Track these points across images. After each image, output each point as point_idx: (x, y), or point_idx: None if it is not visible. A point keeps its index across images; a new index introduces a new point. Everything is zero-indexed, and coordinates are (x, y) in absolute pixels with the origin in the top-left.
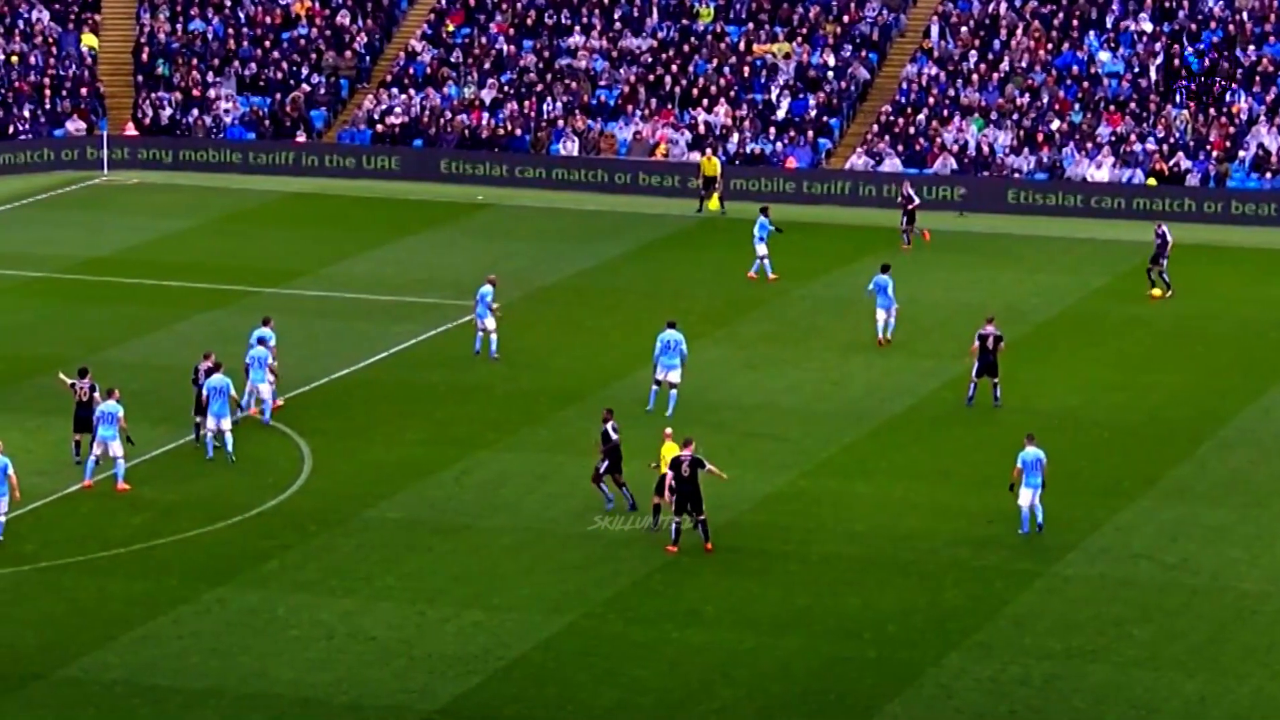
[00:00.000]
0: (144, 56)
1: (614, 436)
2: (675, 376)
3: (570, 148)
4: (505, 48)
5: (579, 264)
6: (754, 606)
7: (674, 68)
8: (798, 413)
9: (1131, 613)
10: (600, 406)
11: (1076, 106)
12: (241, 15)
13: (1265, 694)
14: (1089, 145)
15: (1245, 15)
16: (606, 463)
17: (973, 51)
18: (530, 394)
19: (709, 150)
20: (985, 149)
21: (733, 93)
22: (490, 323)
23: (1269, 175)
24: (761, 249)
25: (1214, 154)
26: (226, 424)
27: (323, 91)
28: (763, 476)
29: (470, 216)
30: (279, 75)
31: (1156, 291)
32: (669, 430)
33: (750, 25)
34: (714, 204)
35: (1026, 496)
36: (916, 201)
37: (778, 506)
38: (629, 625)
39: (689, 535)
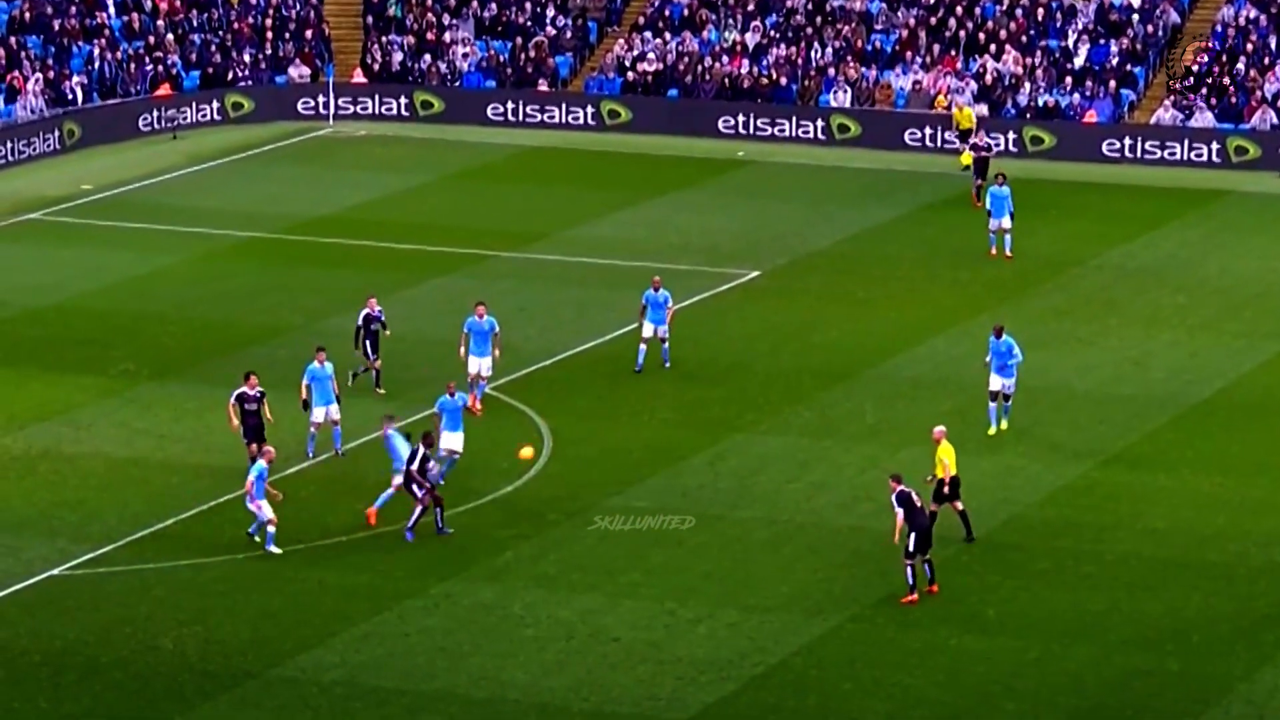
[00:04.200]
0: None
1: None
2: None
3: (842, 99)
4: None
5: (848, 228)
6: (1041, 611)
7: (959, 10)
8: (1092, 396)
9: None
10: (870, 386)
11: None
12: None
13: None
14: None
15: None
16: None
17: None
18: (792, 372)
19: (963, 101)
20: None
21: (1024, 38)
22: (652, 330)
23: None
24: (1006, 222)
25: None
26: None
27: (569, 35)
28: (1052, 467)
29: (730, 174)
30: (521, 18)
31: None
32: (941, 428)
33: None
34: (965, 159)
35: None
36: (991, 149)
37: (1069, 501)
38: (900, 630)
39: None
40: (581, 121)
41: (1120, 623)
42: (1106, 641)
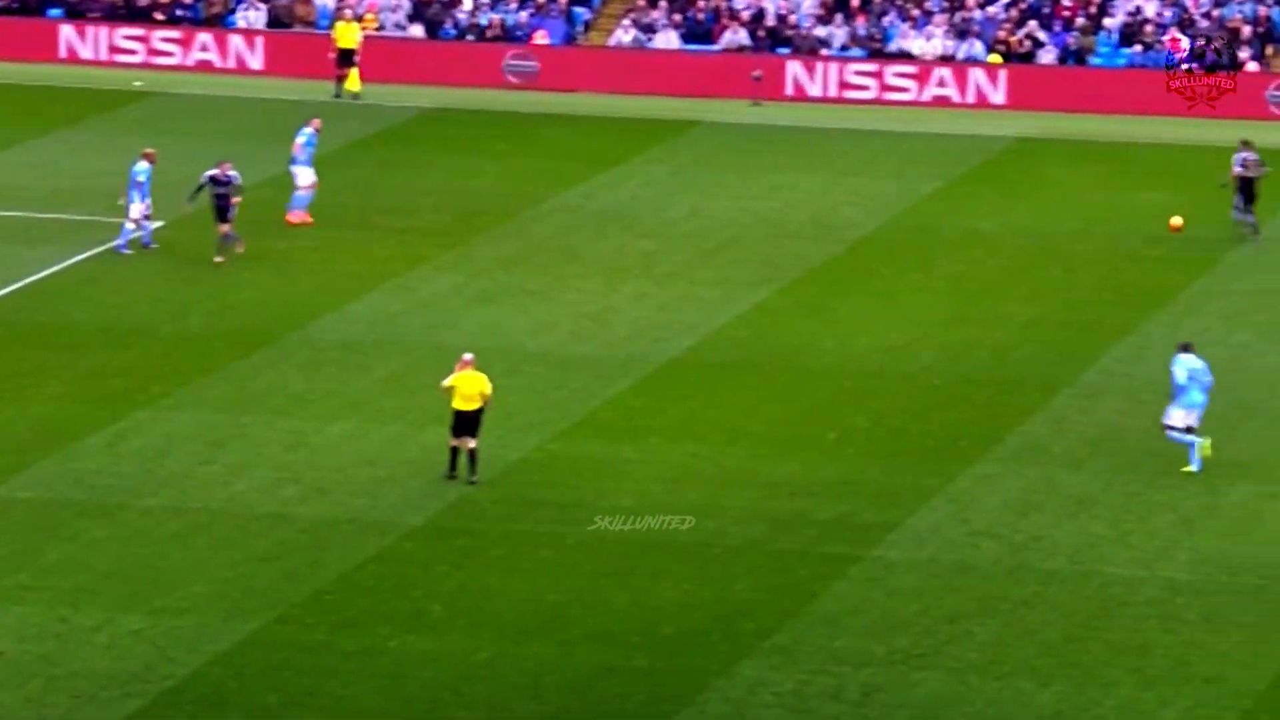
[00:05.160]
0: None
1: None
2: (1195, 418)
3: (255, 18)
4: None
5: (269, 168)
6: (494, 605)
7: None
8: (549, 358)
9: (970, 606)
10: (294, 351)
11: None
12: None
13: (1136, 705)
14: (915, 13)
15: None
16: None
17: None
18: (204, 336)
19: (348, 15)
20: (788, 18)
21: None
22: (136, 210)
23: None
24: (307, 175)
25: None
26: None
27: None
28: (504, 440)
29: (127, 107)
30: None
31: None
32: (468, 356)
33: None
34: (354, 84)
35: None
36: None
37: (523, 478)
38: (333, 632)
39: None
40: None
41: (583, 615)
42: (568, 637)
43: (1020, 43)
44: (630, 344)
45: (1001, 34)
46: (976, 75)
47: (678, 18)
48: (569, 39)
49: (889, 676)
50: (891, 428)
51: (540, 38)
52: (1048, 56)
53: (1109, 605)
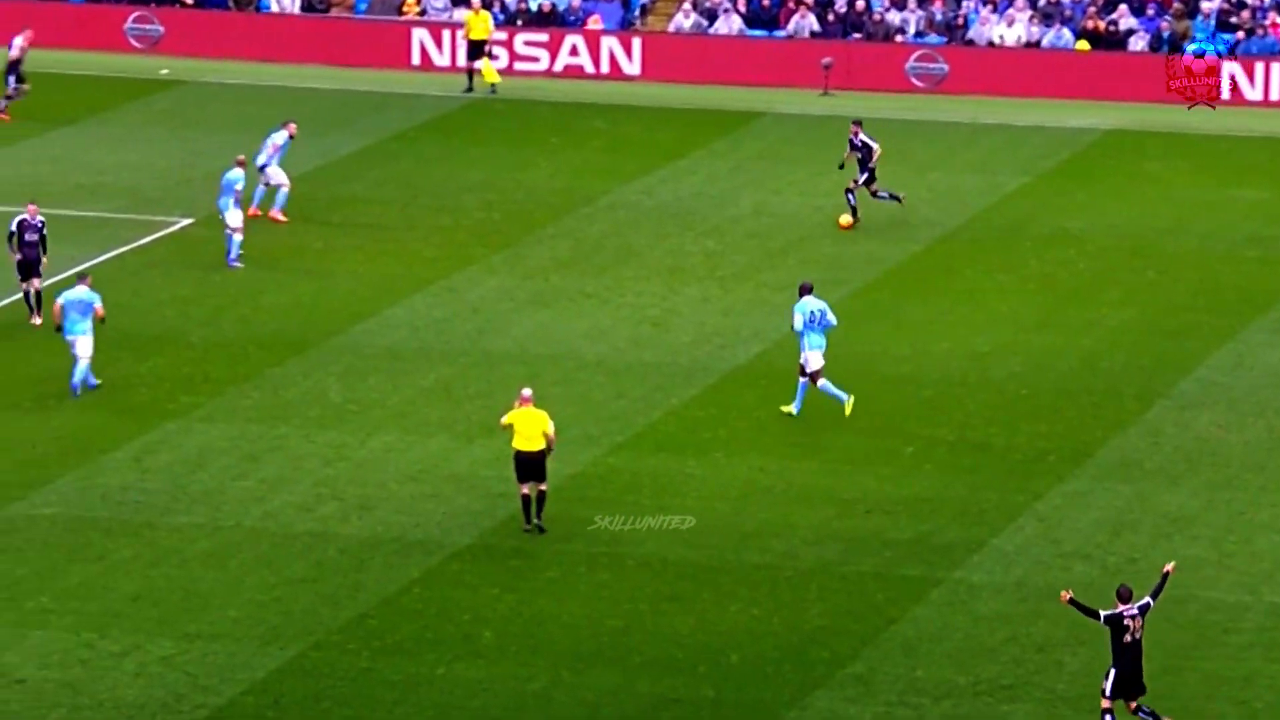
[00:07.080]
0: None
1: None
2: (819, 360)
3: (288, 4)
4: None
5: (301, 163)
6: (548, 631)
7: None
8: (605, 365)
9: (1061, 633)
10: (333, 358)
11: None
12: None
13: None
14: None
15: None
16: None
17: None
18: (237, 342)
19: (478, 4)
20: (859, 3)
21: None
22: (235, 218)
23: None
24: (280, 175)
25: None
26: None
27: None
28: (558, 453)
29: (153, 96)
30: None
31: (845, 219)
32: (528, 391)
33: None
34: (490, 75)
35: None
36: None
37: (580, 494)
38: (377, 658)
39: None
40: None
41: (644, 642)
42: (628, 665)
43: (1109, 28)
44: (693, 350)
45: (1088, 20)
46: (1064, 63)
47: (741, 2)
48: (625, 24)
49: (974, 708)
50: (975, 441)
51: (594, 23)
52: (1139, 43)
53: (1209, 633)
